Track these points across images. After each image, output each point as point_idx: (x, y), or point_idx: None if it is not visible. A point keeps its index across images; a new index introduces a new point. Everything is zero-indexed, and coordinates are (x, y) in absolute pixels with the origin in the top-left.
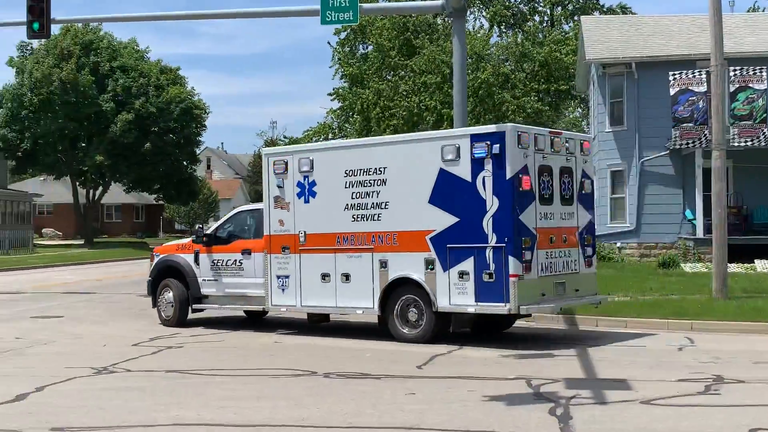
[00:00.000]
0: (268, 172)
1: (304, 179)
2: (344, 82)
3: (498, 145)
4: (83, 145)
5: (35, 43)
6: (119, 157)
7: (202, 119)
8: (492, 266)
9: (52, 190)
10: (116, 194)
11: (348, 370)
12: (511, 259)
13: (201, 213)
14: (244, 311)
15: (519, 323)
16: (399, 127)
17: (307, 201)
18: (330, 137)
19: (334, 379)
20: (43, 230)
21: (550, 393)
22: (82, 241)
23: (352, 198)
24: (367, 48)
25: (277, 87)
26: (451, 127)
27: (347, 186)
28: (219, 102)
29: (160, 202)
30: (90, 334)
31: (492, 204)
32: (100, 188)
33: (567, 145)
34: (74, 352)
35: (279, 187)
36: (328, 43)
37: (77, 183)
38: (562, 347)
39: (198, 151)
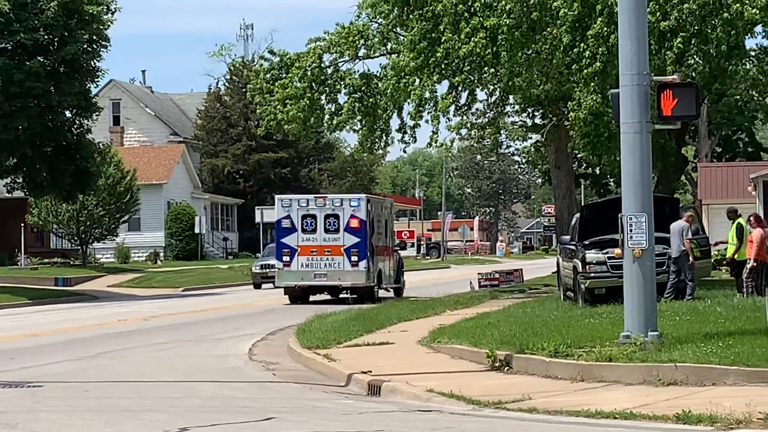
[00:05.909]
0: None
1: None
2: None
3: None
4: None
5: None
6: None
7: (103, 25)
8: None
9: None
10: None
11: None
12: (275, 260)
13: (104, 214)
14: None
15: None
16: (505, 35)
17: None
18: (364, 53)
19: None
20: None
21: None
22: None
23: None
24: None
25: None
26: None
27: None
28: None
29: (19, 194)
30: None
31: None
32: None
33: (333, 202)
34: None
35: None
36: None
37: None
38: None
39: (95, 90)
